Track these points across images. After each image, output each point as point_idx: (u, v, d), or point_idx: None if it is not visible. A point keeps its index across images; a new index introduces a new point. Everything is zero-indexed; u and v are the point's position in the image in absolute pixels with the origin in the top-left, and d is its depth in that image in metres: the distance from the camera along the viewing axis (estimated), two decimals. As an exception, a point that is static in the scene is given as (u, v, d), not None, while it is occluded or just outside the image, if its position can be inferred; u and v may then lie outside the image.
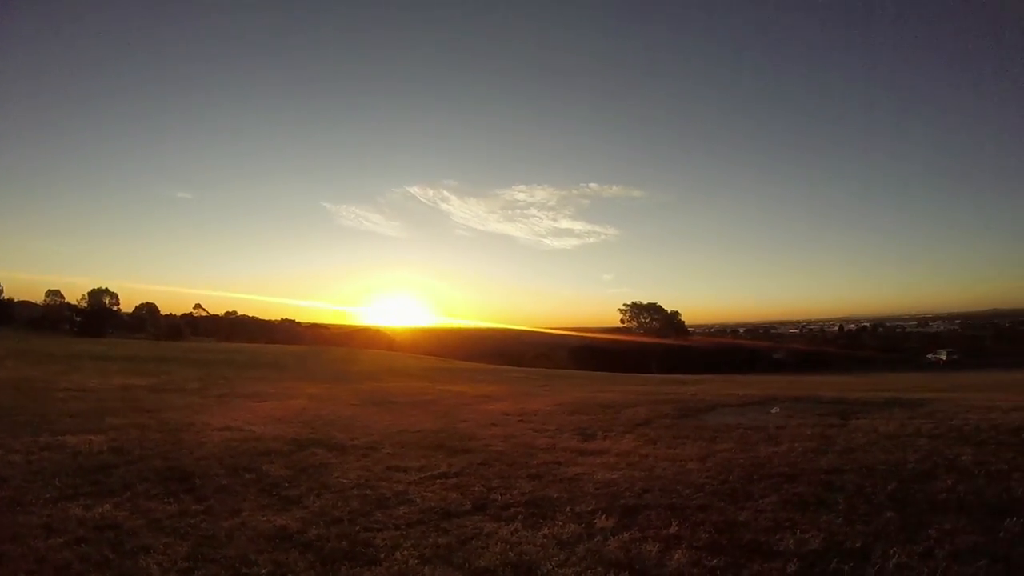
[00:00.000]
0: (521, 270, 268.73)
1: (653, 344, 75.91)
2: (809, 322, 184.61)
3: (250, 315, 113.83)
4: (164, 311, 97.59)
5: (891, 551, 3.86)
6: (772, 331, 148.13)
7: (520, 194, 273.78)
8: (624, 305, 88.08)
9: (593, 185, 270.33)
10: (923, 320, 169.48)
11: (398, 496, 5.51)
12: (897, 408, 10.86)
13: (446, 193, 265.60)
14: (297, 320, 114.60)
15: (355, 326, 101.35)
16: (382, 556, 4.02)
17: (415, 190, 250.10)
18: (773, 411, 11.30)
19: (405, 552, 4.08)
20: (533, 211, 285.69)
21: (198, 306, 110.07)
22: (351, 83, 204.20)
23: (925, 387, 19.31)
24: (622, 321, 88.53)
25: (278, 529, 4.53)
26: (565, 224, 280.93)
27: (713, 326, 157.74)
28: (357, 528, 4.58)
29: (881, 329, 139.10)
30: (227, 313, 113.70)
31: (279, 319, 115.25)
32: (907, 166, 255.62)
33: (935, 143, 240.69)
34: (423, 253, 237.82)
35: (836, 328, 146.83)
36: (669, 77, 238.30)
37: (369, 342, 75.93)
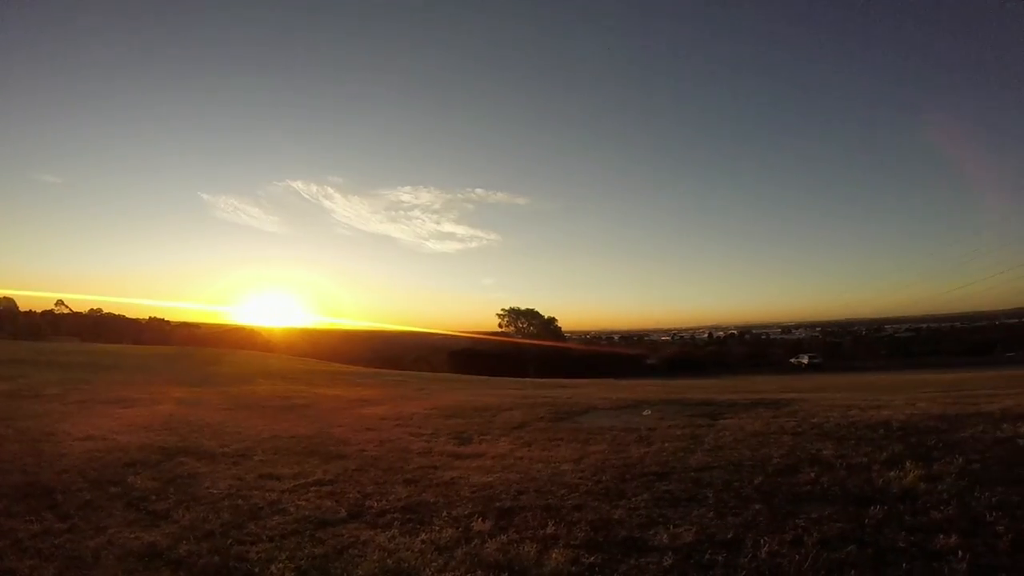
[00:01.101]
0: (402, 272, 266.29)
1: (531, 349, 77.44)
2: (680, 330, 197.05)
3: (116, 313, 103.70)
4: (23, 307, 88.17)
5: (761, 541, 4.11)
6: (646, 338, 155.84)
7: (405, 195, 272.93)
8: (502, 310, 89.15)
9: (479, 191, 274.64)
10: (787, 328, 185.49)
11: (271, 506, 5.46)
12: (762, 408, 11.72)
13: (330, 190, 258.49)
14: (166, 319, 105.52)
15: (228, 325, 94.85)
16: (256, 570, 3.99)
17: (298, 185, 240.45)
18: (645, 413, 11.80)
19: (280, 565, 4.04)
20: (417, 213, 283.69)
21: (60, 303, 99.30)
22: (238, 68, 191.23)
23: (789, 388, 21.09)
24: (500, 326, 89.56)
25: (147, 546, 4.42)
26: (448, 228, 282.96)
27: (589, 332, 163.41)
28: (229, 542, 4.49)
29: (748, 336, 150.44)
30: (91, 310, 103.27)
31: (147, 317, 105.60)
32: (771, 187, 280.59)
33: (797, 163, 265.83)
34: (302, 250, 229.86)
35: (706, 335, 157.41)
36: (559, 88, 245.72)
37: (243, 343, 71.63)
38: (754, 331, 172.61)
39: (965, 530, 4.13)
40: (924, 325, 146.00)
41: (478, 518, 4.92)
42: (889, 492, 5.18)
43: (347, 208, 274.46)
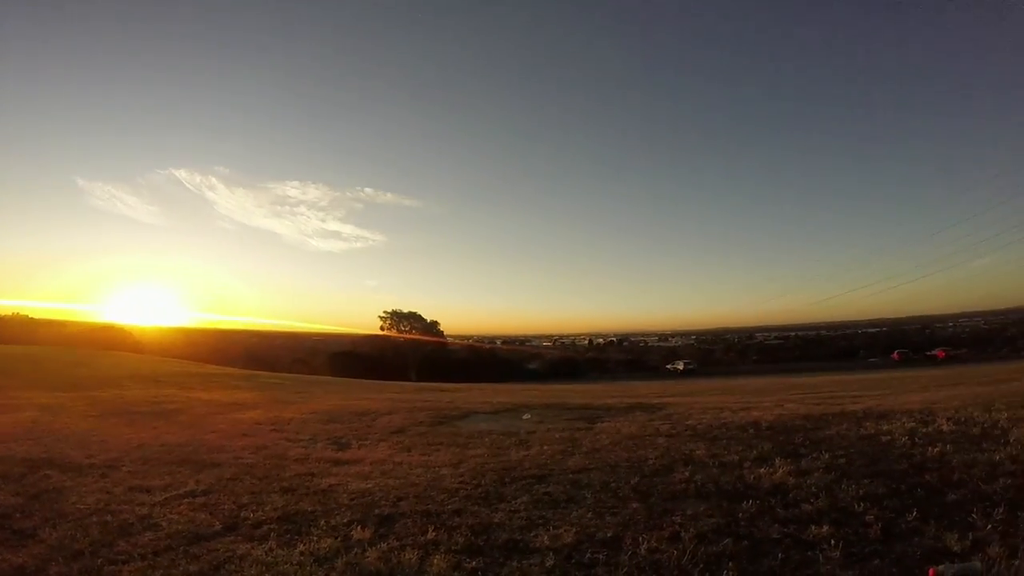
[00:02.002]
0: (284, 269, 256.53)
1: (413, 352, 76.85)
2: (562, 336, 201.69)
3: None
4: None
5: (640, 538, 4.23)
6: (528, 343, 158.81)
7: (292, 190, 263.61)
8: (384, 312, 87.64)
9: (368, 190, 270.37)
10: (663, 335, 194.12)
11: (142, 520, 5.23)
12: (639, 412, 12.25)
13: (214, 180, 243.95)
14: (30, 315, 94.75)
15: (97, 324, 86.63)
16: (130, 592, 3.84)
17: (181, 174, 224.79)
18: (525, 417, 11.96)
19: (155, 584, 3.91)
20: (303, 209, 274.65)
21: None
22: (124, 46, 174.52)
23: (664, 393, 22.11)
24: (382, 328, 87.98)
25: (15, 569, 4.18)
26: (334, 226, 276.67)
27: (472, 337, 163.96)
28: (100, 561, 4.26)
29: (626, 343, 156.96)
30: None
31: (10, 313, 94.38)
32: (652, 200, 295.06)
33: (678, 178, 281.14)
34: (180, 244, 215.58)
35: (586, 342, 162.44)
36: (455, 93, 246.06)
37: (113, 343, 65.84)
38: (633, 338, 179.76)
39: (836, 520, 4.43)
40: (793, 333, 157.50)
41: (357, 526, 4.86)
42: (760, 487, 5.50)
43: (230, 200, 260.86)
